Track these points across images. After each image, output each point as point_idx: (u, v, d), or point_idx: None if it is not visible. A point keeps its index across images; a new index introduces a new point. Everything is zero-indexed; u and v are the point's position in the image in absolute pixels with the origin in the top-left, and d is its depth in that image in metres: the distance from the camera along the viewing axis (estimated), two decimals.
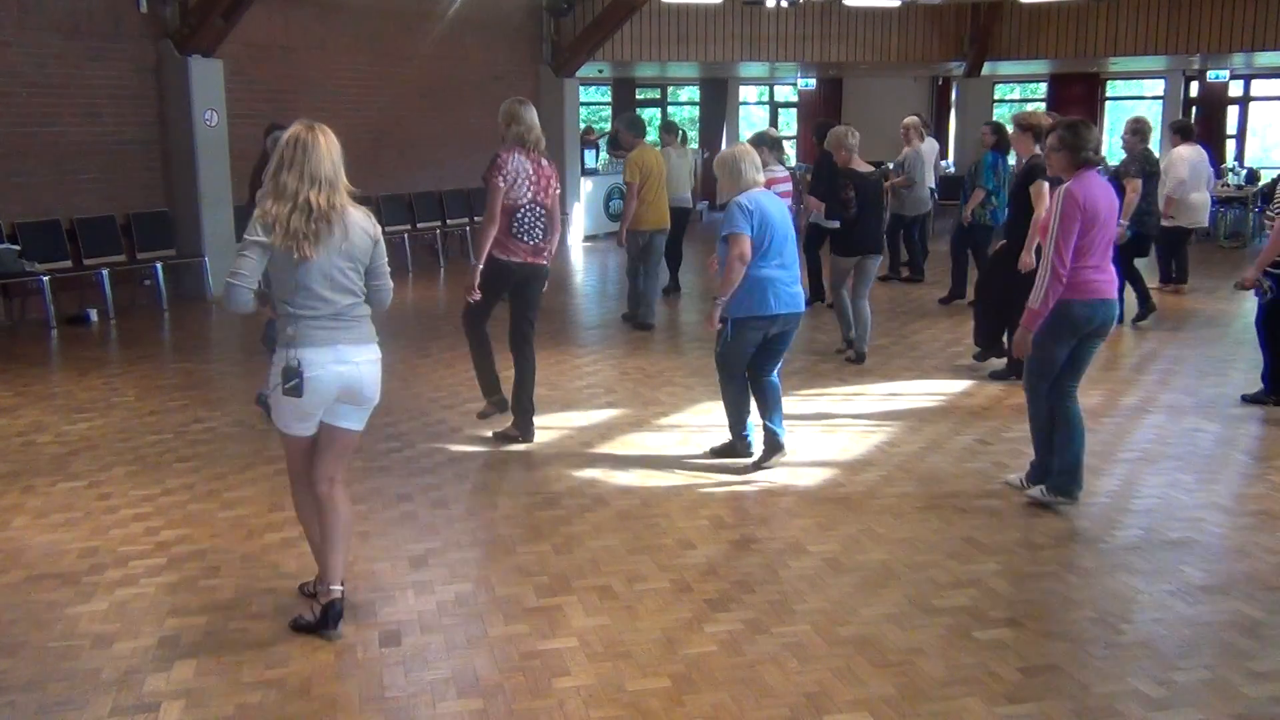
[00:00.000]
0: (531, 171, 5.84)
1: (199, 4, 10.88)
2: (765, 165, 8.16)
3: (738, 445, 5.85)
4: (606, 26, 16.01)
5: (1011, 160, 9.92)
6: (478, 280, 5.85)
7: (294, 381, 3.67)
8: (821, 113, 21.73)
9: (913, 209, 11.84)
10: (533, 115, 5.91)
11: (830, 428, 6.46)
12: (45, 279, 9.70)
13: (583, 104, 18.96)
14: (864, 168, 8.24)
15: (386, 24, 13.79)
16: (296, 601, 4.11)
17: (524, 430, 6.19)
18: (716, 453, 5.91)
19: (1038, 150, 7.24)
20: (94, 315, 10.14)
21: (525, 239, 5.89)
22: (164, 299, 10.85)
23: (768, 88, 23.71)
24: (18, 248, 9.69)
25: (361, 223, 3.77)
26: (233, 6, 10.80)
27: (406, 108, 14.04)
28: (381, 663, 3.66)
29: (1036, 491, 5.15)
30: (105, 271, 10.25)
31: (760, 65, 19.15)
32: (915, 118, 12.26)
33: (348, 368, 3.74)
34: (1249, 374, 7.65)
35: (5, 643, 3.81)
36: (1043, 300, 4.80)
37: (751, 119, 23.69)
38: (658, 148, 10.45)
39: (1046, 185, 6.95)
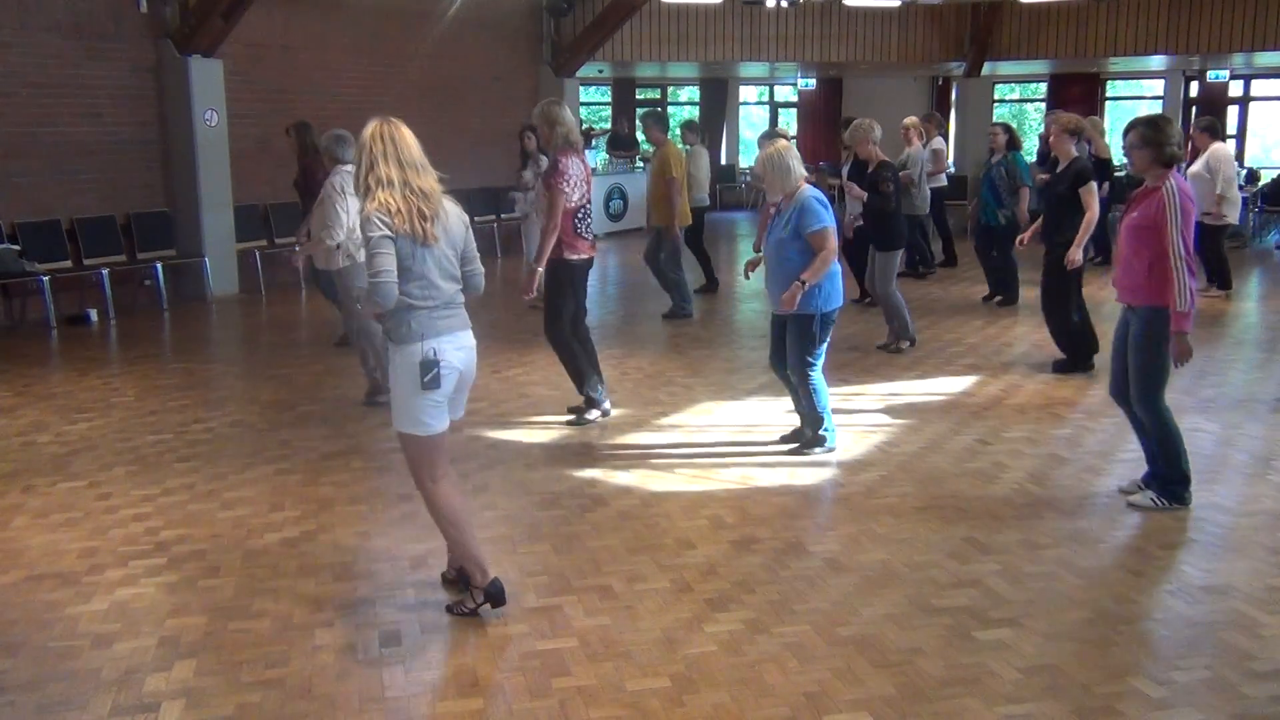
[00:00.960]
0: (583, 171, 6.17)
1: (199, 4, 10.89)
2: None
3: (820, 438, 5.93)
4: (606, 26, 16.01)
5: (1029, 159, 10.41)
6: (536, 282, 6.16)
7: (433, 373, 3.71)
8: (822, 113, 21.76)
9: (918, 208, 11.82)
10: (569, 114, 6.18)
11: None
12: (45, 279, 9.71)
13: (583, 104, 18.96)
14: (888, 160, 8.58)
15: (386, 24, 13.79)
16: (300, 601, 4.11)
17: (600, 401, 6.53)
18: (804, 444, 5.96)
19: (1075, 153, 7.46)
20: (94, 315, 10.15)
21: (588, 235, 6.23)
22: (164, 299, 10.85)
23: (768, 88, 23.71)
24: (18, 248, 9.70)
25: (454, 209, 3.85)
26: (233, 6, 10.80)
27: (406, 108, 13.94)
28: (381, 663, 3.66)
29: (1149, 499, 5.11)
30: (105, 271, 10.25)
31: (760, 65, 19.16)
32: (915, 118, 12.28)
33: (465, 353, 3.85)
34: (1249, 374, 7.66)
35: (5, 643, 3.81)
36: (1190, 299, 4.73)
37: (751, 119, 23.69)
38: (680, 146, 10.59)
39: (1095, 186, 7.46)
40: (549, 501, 5.23)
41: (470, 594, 3.96)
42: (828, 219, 5.52)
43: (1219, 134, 11.06)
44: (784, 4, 15.11)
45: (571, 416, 6.56)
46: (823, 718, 3.30)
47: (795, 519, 5.00)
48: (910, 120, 12.10)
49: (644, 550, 4.61)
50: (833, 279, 5.65)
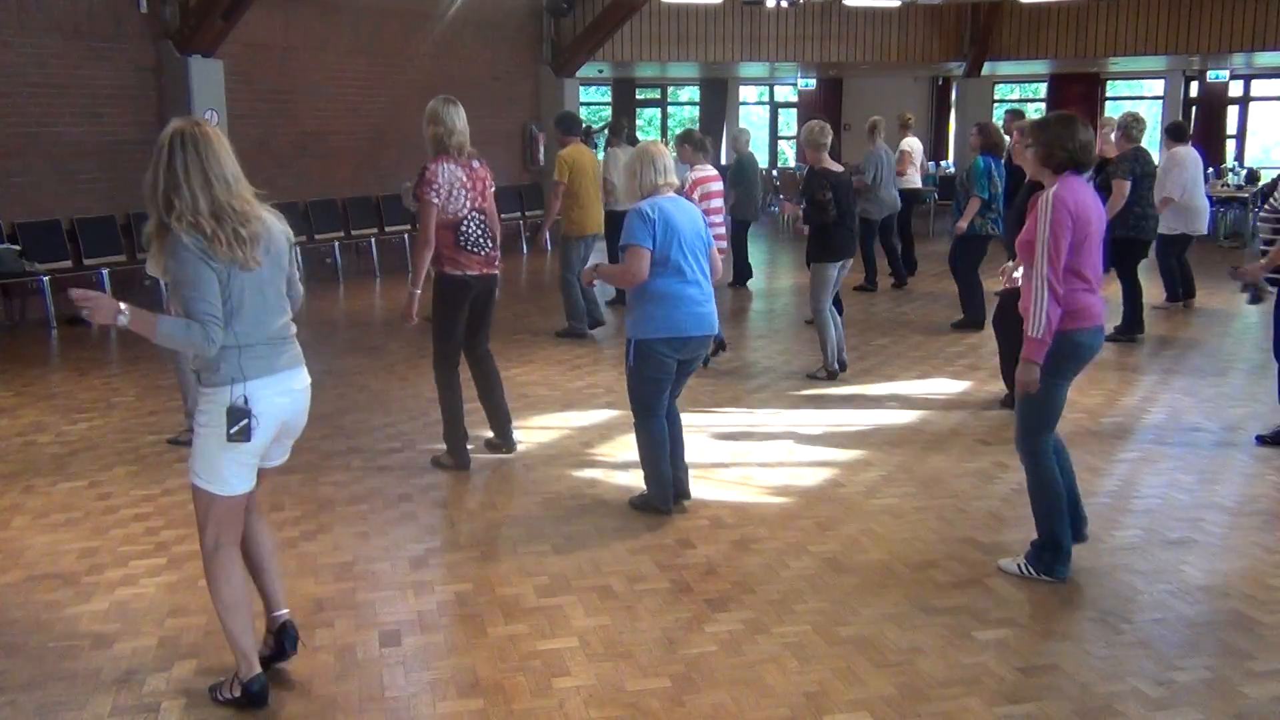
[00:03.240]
0: (465, 178, 5.45)
1: (199, 4, 10.89)
2: (694, 164, 8.03)
3: (655, 497, 5.03)
4: (606, 26, 16.02)
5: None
6: (415, 307, 5.50)
7: (242, 424, 3.13)
8: (822, 113, 21.75)
9: (878, 212, 11.20)
10: (455, 116, 5.46)
11: (830, 428, 6.45)
12: (45, 279, 9.71)
13: (583, 104, 18.96)
14: (835, 168, 7.61)
15: (386, 24, 13.79)
16: (300, 601, 4.11)
17: (505, 438, 5.95)
18: (635, 505, 5.10)
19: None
20: None
21: (475, 250, 5.49)
22: (165, 299, 10.83)
23: (768, 88, 23.72)
24: (18, 248, 9.70)
25: (277, 224, 3.31)
26: (233, 6, 10.80)
27: (406, 108, 14.01)
28: (381, 663, 3.66)
29: (1018, 567, 4.36)
30: (105, 271, 10.25)
31: (760, 65, 19.16)
32: (879, 118, 11.81)
33: (290, 398, 3.30)
34: (1249, 374, 7.65)
35: (5, 643, 3.81)
36: (1045, 327, 4.00)
37: (751, 119, 23.70)
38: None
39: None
40: (549, 501, 5.23)
41: (231, 682, 3.38)
42: (642, 236, 4.73)
43: (1181, 136, 10.20)
44: (784, 4, 15.11)
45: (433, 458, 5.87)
46: (823, 718, 3.30)
47: (795, 519, 5.00)
48: (874, 119, 11.70)
49: (644, 550, 4.61)
50: (655, 305, 4.81)
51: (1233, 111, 20.44)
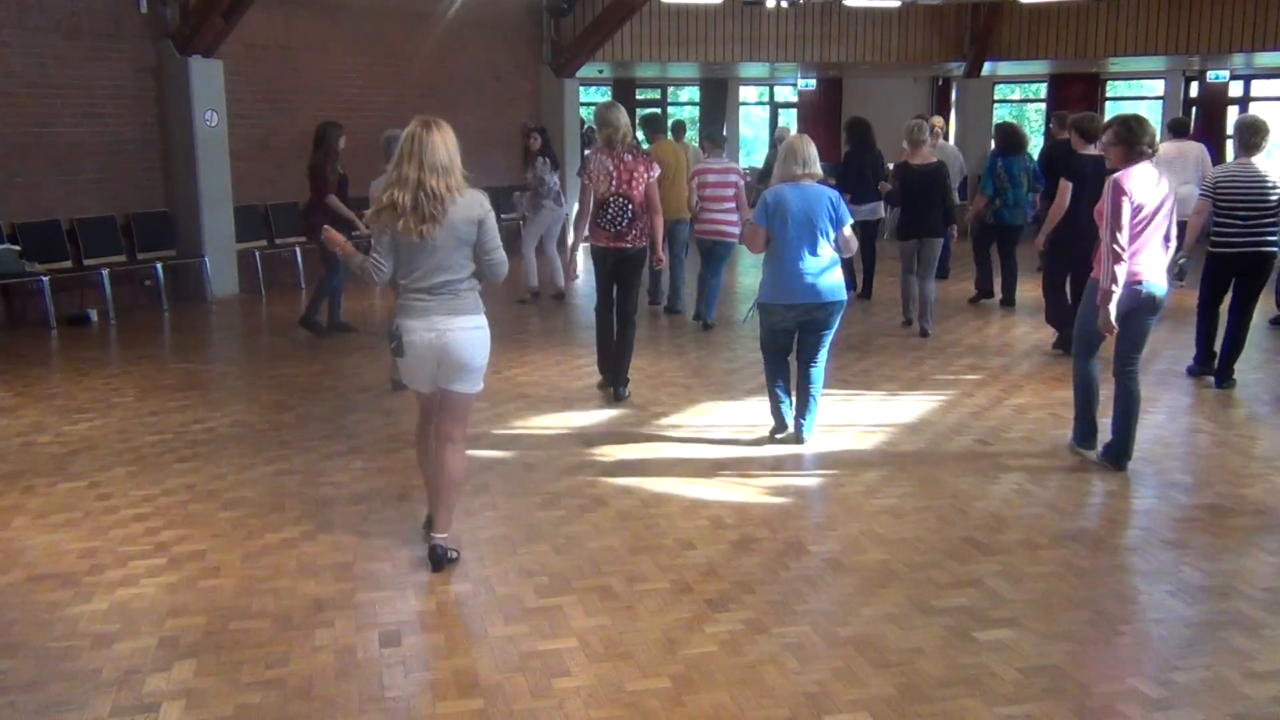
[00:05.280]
0: (612, 167, 6.70)
1: (199, 4, 10.88)
2: (708, 155, 9.63)
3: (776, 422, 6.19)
4: (606, 27, 16.01)
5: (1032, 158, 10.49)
6: (570, 263, 7.47)
7: (395, 343, 4.30)
8: (822, 113, 21.74)
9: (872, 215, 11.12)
10: (620, 117, 6.77)
11: (830, 428, 6.45)
12: (45, 279, 9.70)
13: (583, 104, 18.96)
14: (918, 161, 9.14)
15: (386, 24, 13.79)
16: (300, 601, 4.11)
17: (616, 386, 7.09)
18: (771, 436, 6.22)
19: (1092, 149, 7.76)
20: (94, 315, 10.15)
21: (606, 227, 6.75)
22: (164, 299, 10.85)
23: (768, 88, 23.70)
24: (18, 248, 9.69)
25: (466, 206, 4.15)
26: (233, 6, 10.79)
27: (406, 108, 13.93)
28: (381, 663, 3.66)
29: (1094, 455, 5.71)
30: (105, 271, 10.25)
31: (760, 66, 19.14)
32: (937, 118, 12.30)
33: (431, 335, 4.22)
34: (1250, 374, 7.66)
35: (5, 643, 3.81)
36: (1112, 279, 5.22)
37: (751, 119, 23.69)
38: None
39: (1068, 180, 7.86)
40: (549, 501, 5.23)
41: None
42: (758, 215, 5.81)
43: (1179, 132, 11.15)
44: (784, 4, 15.10)
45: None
46: (822, 718, 3.30)
47: (795, 519, 5.00)
48: (934, 120, 12.11)
49: (644, 550, 4.61)
50: (771, 276, 5.85)
51: (1233, 112, 20.42)
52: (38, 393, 7.46)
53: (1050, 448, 6.04)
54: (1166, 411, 6.81)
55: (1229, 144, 19.74)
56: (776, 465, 5.80)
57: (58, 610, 4.07)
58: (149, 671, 3.60)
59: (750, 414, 6.73)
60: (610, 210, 6.70)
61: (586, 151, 6.56)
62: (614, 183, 6.68)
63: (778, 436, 6.14)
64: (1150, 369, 7.47)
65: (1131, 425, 5.54)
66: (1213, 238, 7.27)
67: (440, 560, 4.38)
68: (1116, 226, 5.19)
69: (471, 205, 4.16)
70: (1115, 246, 5.19)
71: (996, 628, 3.88)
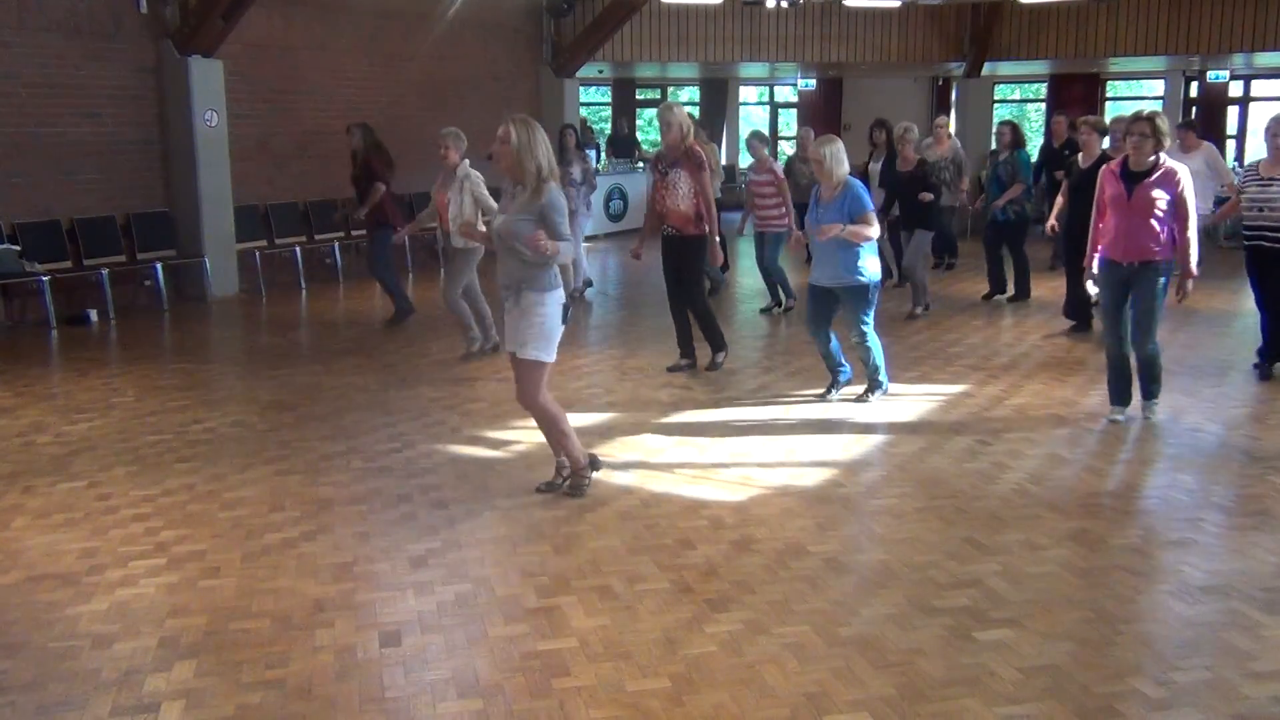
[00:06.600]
0: (653, 181, 7.51)
1: (199, 4, 10.88)
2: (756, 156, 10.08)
3: (877, 382, 7.09)
4: (606, 27, 16.01)
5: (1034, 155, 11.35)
6: (717, 250, 7.81)
7: (569, 312, 5.00)
8: (822, 113, 21.74)
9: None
10: (663, 116, 7.36)
11: (830, 428, 6.45)
12: (45, 279, 9.71)
13: (583, 104, 18.97)
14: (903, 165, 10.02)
15: (386, 24, 13.79)
16: (300, 601, 4.11)
17: (684, 354, 7.93)
18: (866, 392, 7.04)
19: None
20: (94, 315, 10.15)
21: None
22: (164, 299, 10.85)
23: (768, 88, 23.72)
24: (18, 248, 9.69)
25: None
26: (233, 6, 10.80)
27: (406, 108, 14.04)
28: (381, 663, 3.66)
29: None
30: (105, 271, 10.25)
31: (760, 66, 19.15)
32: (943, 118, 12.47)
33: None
34: (1249, 374, 7.65)
35: (5, 643, 3.81)
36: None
37: (751, 119, 23.70)
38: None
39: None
40: (549, 501, 5.23)
41: (582, 471, 5.26)
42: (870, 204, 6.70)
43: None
44: (784, 4, 15.11)
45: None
46: (822, 718, 3.30)
47: (795, 519, 5.00)
48: (940, 119, 12.26)
49: (644, 550, 4.61)
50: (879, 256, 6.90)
51: (1233, 112, 20.43)
52: (38, 393, 7.46)
53: (1050, 448, 6.04)
54: (1166, 411, 6.80)
55: (1229, 144, 19.93)
56: (776, 465, 5.79)
57: (58, 610, 4.07)
58: (149, 671, 3.60)
59: (750, 414, 6.73)
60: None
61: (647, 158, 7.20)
62: (654, 201, 7.51)
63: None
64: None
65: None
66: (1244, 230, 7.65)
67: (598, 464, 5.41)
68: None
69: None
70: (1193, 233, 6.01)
71: (996, 628, 3.88)
